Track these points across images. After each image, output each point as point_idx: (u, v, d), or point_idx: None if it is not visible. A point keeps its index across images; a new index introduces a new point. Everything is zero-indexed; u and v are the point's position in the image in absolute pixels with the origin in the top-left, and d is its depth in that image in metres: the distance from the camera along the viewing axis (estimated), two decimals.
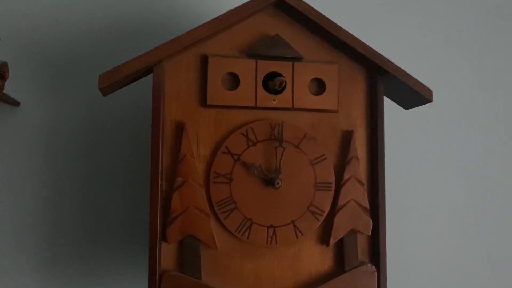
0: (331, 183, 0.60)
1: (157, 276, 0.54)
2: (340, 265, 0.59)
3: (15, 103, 0.72)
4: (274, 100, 0.59)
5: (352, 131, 0.61)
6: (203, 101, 0.58)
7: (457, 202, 0.85)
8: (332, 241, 0.59)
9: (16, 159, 0.73)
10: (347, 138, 0.61)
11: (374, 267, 0.59)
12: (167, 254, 0.56)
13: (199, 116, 0.58)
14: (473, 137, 0.87)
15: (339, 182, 0.60)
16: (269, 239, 0.57)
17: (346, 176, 0.60)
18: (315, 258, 0.59)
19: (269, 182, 0.58)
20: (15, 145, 0.73)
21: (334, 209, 0.59)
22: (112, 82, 0.55)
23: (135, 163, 0.76)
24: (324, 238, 0.59)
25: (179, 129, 0.57)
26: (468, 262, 0.84)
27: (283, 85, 0.58)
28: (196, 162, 0.57)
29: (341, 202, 0.59)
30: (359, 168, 0.61)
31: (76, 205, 0.74)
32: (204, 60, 0.58)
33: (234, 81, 0.59)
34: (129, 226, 0.75)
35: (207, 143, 0.58)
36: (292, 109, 0.60)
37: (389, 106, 0.66)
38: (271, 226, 0.58)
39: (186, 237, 0.55)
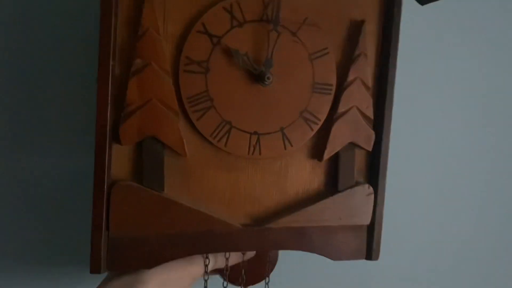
0: (331, 85, 0.48)
1: (105, 186, 0.41)
2: (333, 184, 0.49)
3: None
4: None
5: (363, 21, 0.48)
6: None
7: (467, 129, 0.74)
8: (327, 155, 0.48)
9: None
10: (355, 30, 0.48)
11: (371, 188, 0.50)
12: (120, 160, 0.43)
13: None
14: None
15: (342, 84, 0.48)
16: (252, 149, 0.46)
17: (350, 77, 0.48)
18: (304, 175, 0.49)
19: (257, 76, 0.45)
20: None
21: (332, 117, 0.48)
22: None
23: (80, 37, 0.58)
24: (317, 151, 0.49)
25: None
26: (471, 192, 0.75)
27: None
28: (162, 40, 0.42)
29: (341, 108, 0.48)
30: (366, 68, 0.49)
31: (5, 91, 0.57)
32: None
33: None
34: (71, 123, 0.59)
35: (178, 16, 0.43)
36: None
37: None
38: (255, 132, 0.46)
39: (145, 138, 0.42)
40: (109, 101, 0.41)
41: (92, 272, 0.41)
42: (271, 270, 0.56)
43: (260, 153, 0.46)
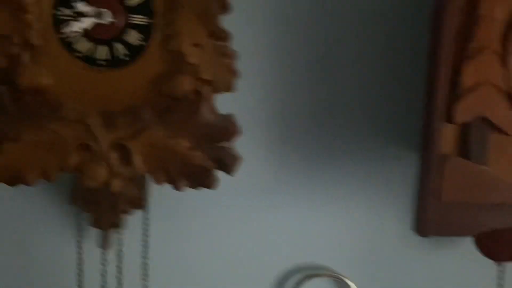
0: None
1: (438, 160, 0.46)
2: None
3: None
4: None
5: None
6: None
7: None
8: None
9: None
10: None
11: None
12: (447, 136, 0.47)
13: None
14: None
15: None
16: None
17: None
18: None
19: None
20: None
21: None
22: None
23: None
24: None
25: None
26: None
27: None
28: (497, 26, 0.45)
29: None
30: None
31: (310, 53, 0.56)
32: None
33: None
34: (395, 95, 0.57)
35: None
36: None
37: None
38: None
39: (475, 117, 0.46)
40: (445, 83, 0.45)
41: (420, 235, 0.47)
42: None
43: None
